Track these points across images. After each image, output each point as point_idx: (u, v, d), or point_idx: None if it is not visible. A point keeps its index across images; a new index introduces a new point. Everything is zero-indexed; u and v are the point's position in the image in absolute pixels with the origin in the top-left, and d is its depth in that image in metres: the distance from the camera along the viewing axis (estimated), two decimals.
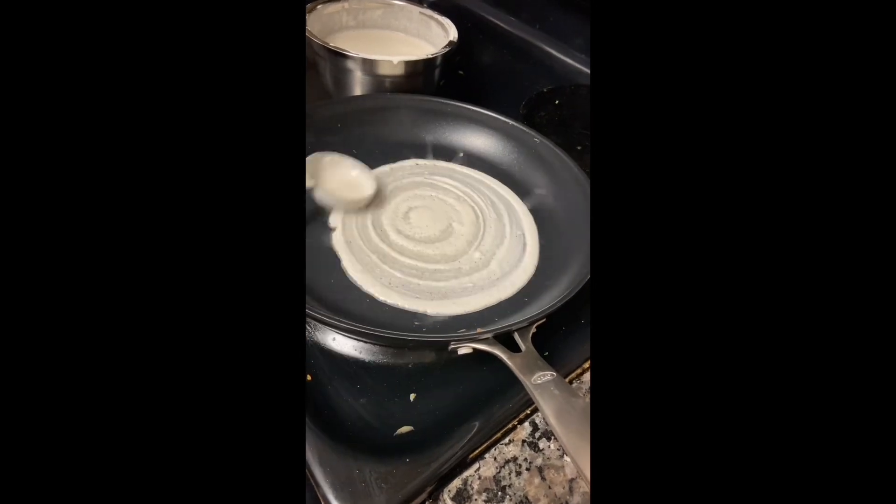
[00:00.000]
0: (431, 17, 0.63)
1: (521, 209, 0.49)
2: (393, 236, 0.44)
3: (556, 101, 0.68)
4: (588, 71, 0.77)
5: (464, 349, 0.33)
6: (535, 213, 0.49)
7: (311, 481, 0.30)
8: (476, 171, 0.52)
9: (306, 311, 0.32)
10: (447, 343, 0.33)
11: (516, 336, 0.33)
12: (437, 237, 0.44)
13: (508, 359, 0.31)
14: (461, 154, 0.54)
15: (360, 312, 0.38)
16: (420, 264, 0.42)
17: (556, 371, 0.30)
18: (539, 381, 0.29)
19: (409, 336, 0.35)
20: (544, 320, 0.35)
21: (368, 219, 0.45)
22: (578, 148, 0.59)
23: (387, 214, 0.45)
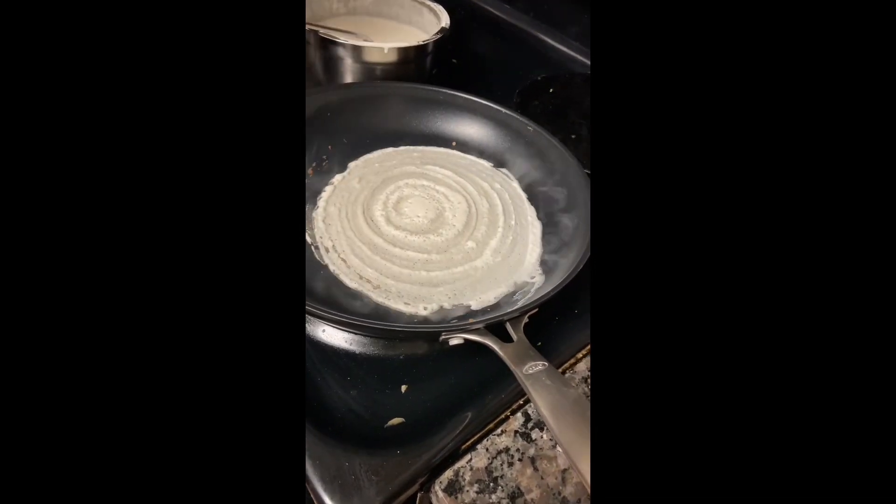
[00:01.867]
0: (423, 4, 0.62)
1: (523, 196, 0.49)
2: (384, 227, 0.43)
3: (551, 90, 0.67)
4: (583, 59, 0.76)
5: (455, 340, 0.32)
6: (532, 201, 0.48)
7: None
8: (473, 157, 0.52)
9: None
10: (438, 334, 0.32)
11: (508, 326, 0.33)
12: (429, 228, 0.43)
13: (500, 349, 0.30)
14: (454, 143, 0.53)
15: (350, 303, 0.37)
16: (412, 254, 0.41)
17: (549, 361, 0.30)
18: (531, 371, 0.29)
19: (400, 327, 0.34)
20: (537, 310, 0.34)
21: (359, 209, 0.44)
22: (573, 137, 0.58)
23: (378, 205, 0.45)
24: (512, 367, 0.29)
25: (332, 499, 0.28)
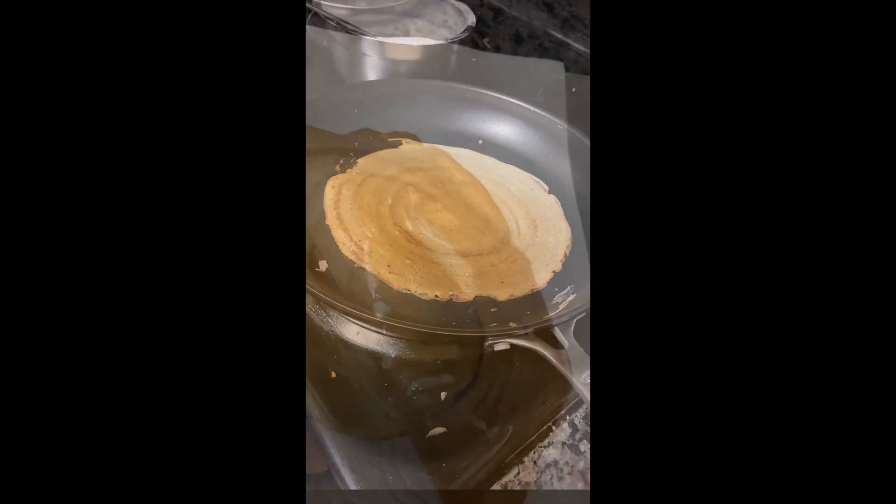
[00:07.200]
0: (448, 2, 0.61)
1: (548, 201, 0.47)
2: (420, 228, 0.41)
3: (574, 89, 0.66)
4: None
5: (501, 345, 0.31)
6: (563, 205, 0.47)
7: (341, 487, 0.28)
8: (501, 164, 0.50)
9: (328, 300, 0.29)
10: (484, 339, 0.31)
11: (557, 331, 0.31)
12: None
13: (553, 356, 0.29)
14: (480, 141, 0.51)
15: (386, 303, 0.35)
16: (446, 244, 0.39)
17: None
18: (589, 380, 0.27)
19: (444, 331, 0.32)
20: (584, 314, 0.33)
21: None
22: None
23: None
24: (568, 375, 0.28)
25: None
